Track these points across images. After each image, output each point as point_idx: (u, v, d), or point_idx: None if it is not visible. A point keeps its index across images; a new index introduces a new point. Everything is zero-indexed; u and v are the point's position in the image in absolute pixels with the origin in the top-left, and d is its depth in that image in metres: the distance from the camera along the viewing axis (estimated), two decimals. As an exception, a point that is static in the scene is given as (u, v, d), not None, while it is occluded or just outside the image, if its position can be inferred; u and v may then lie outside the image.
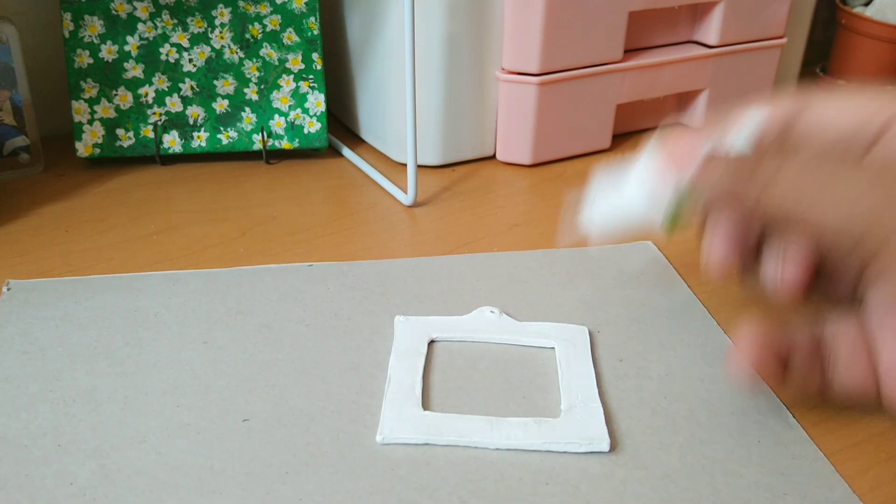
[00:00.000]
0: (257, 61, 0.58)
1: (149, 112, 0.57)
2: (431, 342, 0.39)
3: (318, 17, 0.57)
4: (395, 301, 0.42)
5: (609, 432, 0.33)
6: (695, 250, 0.46)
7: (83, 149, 0.57)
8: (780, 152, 0.31)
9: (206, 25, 0.57)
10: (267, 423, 0.34)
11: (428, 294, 0.43)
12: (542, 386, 0.36)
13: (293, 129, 0.58)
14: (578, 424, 0.33)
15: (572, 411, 0.34)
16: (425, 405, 0.34)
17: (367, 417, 0.34)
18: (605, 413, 0.34)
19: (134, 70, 0.57)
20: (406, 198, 0.53)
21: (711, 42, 0.62)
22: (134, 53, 0.56)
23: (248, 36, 0.57)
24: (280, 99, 0.58)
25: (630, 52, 0.60)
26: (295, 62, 0.58)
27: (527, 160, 0.59)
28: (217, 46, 0.57)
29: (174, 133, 0.58)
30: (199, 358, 0.38)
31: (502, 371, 0.37)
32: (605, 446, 0.32)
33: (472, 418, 0.34)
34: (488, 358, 0.38)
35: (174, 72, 0.57)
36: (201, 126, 0.58)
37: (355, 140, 0.63)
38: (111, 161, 0.58)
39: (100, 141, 0.57)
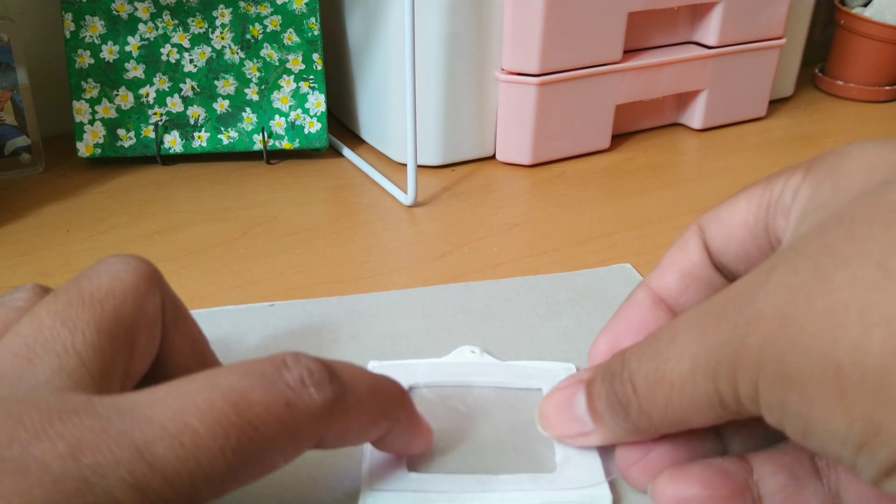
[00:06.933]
0: (258, 62, 0.58)
1: (150, 112, 0.57)
2: (410, 389, 0.35)
3: (318, 17, 0.58)
4: (366, 343, 0.38)
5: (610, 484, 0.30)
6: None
7: (84, 149, 0.57)
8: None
9: (206, 26, 0.57)
10: (239, 494, 0.30)
11: (402, 333, 0.39)
12: (532, 435, 0.33)
13: (293, 129, 0.58)
14: (577, 478, 0.31)
15: (569, 463, 0.31)
16: (410, 465, 0.31)
17: (346, 483, 0.31)
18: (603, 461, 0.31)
19: (135, 70, 0.57)
20: (406, 198, 0.53)
21: (711, 43, 0.62)
22: (135, 54, 0.57)
23: (248, 36, 0.58)
24: (280, 99, 0.58)
25: (629, 52, 0.60)
26: (295, 62, 0.58)
27: (526, 160, 0.59)
28: (218, 47, 0.57)
29: (175, 133, 0.58)
30: None
31: (489, 418, 0.34)
32: (608, 502, 0.30)
33: (462, 478, 0.30)
34: (472, 404, 0.35)
35: (175, 72, 0.57)
36: (202, 126, 0.58)
37: (355, 140, 0.63)
38: (112, 161, 0.59)
39: (101, 141, 0.57)
